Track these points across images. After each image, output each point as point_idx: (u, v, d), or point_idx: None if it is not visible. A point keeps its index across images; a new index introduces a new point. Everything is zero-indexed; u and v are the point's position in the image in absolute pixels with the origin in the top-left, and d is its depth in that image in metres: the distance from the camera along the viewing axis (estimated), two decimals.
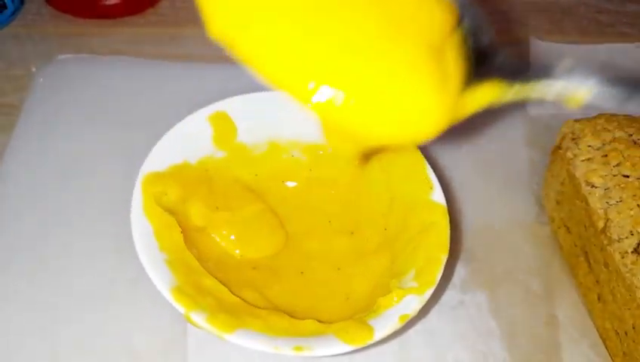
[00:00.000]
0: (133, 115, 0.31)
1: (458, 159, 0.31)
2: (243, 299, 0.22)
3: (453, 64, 0.19)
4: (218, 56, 0.34)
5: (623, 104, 0.19)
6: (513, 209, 0.29)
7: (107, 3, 0.36)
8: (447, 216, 0.24)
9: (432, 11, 0.19)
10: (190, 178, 0.25)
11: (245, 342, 0.20)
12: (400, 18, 0.18)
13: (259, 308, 0.22)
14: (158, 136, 0.25)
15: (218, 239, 0.25)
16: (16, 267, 0.26)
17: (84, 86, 0.32)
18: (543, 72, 0.19)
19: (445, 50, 0.19)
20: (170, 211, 0.23)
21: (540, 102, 0.32)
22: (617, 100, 0.19)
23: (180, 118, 0.26)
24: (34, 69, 0.34)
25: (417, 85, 0.18)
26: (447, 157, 0.30)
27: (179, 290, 0.21)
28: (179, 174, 0.24)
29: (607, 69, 0.19)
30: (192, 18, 0.36)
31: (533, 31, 0.37)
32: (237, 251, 0.25)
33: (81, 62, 0.33)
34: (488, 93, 0.19)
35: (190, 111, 0.26)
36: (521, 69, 0.19)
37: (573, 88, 0.19)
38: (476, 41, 0.20)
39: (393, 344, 0.25)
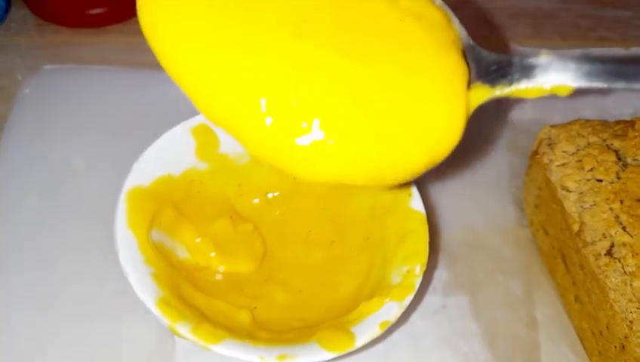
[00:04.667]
0: (119, 124, 0.31)
1: (440, 165, 0.31)
2: (226, 310, 0.23)
3: (456, 65, 0.17)
4: None
5: (611, 83, 0.18)
6: (494, 212, 0.30)
7: (92, 12, 0.36)
8: (426, 223, 0.24)
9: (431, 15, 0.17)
10: (174, 194, 0.25)
11: (230, 352, 0.20)
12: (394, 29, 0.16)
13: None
14: (144, 145, 0.25)
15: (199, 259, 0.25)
16: (4, 273, 0.26)
17: (70, 96, 0.33)
18: (524, 70, 0.19)
19: (448, 52, 0.17)
20: (160, 231, 0.24)
21: (521, 107, 0.33)
22: (602, 81, 0.18)
23: (165, 125, 0.26)
24: (20, 79, 0.34)
25: (435, 93, 0.15)
26: None
27: (164, 302, 0.21)
28: (163, 189, 0.25)
29: (583, 58, 0.19)
30: None
31: (515, 36, 0.38)
32: (220, 268, 0.25)
33: (66, 73, 0.33)
34: (473, 97, 0.18)
35: (176, 119, 0.26)
36: (502, 70, 0.19)
37: (554, 81, 0.19)
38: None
39: (378, 347, 0.25)
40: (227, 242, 0.25)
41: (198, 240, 0.25)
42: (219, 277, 0.25)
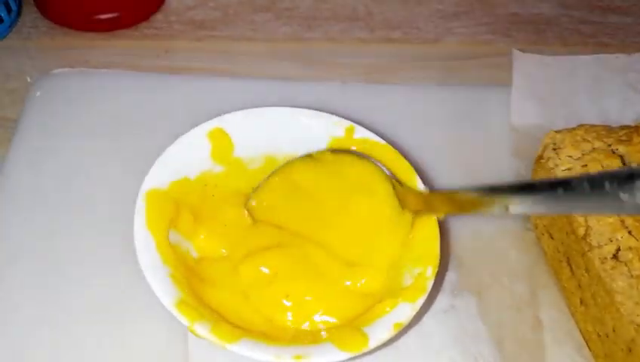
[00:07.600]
0: (128, 128, 0.32)
1: (447, 171, 0.32)
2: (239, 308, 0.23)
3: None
4: (210, 68, 0.36)
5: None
6: (500, 217, 0.30)
7: (102, 17, 0.36)
8: (437, 227, 0.25)
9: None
10: (192, 196, 0.25)
11: (247, 351, 0.21)
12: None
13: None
14: (153, 148, 0.26)
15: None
16: (16, 276, 0.26)
17: (80, 99, 0.33)
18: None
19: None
20: (176, 232, 0.24)
21: (524, 113, 0.34)
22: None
23: (174, 129, 0.27)
24: (30, 82, 0.34)
25: None
26: (437, 169, 0.31)
27: (182, 303, 0.21)
28: (179, 191, 0.25)
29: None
30: (185, 31, 0.38)
31: (517, 42, 0.38)
32: (223, 250, 0.25)
33: (76, 76, 0.34)
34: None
35: (185, 123, 0.27)
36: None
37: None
38: None
39: (389, 349, 0.26)
40: (240, 230, 0.25)
41: (202, 236, 0.25)
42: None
